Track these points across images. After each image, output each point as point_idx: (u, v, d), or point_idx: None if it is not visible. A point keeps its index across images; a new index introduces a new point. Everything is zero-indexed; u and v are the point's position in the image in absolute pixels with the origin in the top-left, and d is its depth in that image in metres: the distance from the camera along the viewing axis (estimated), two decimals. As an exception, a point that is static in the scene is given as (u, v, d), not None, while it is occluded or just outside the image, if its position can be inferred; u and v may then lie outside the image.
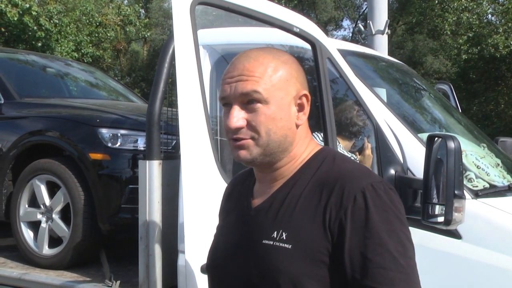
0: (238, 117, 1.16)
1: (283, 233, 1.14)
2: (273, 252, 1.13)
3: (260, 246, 1.16)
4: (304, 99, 1.21)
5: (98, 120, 3.25)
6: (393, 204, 1.11)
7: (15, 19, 12.30)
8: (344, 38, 25.48)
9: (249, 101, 1.16)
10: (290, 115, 1.19)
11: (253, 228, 1.20)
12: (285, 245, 1.12)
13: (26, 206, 3.33)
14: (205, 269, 1.33)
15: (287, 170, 1.22)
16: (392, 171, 2.38)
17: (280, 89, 1.17)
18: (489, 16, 18.43)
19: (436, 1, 17.65)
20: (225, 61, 2.81)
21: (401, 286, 1.05)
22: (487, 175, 2.52)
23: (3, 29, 13.48)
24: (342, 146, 2.83)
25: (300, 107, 1.21)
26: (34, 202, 3.32)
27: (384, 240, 1.07)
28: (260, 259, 1.15)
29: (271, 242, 1.14)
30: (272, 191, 1.22)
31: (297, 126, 1.21)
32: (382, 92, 2.99)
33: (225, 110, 1.20)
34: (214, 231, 1.41)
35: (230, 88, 1.17)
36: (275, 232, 1.15)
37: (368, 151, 2.71)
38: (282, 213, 1.17)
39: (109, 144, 3.11)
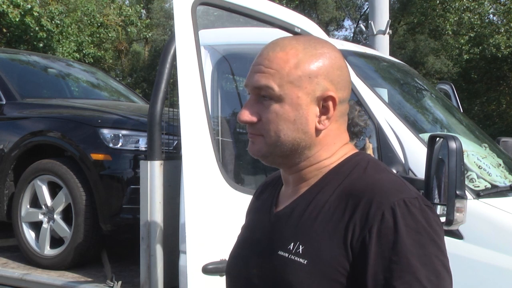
0: (249, 111, 1.06)
1: (300, 246, 1.02)
2: (287, 266, 1.03)
3: (276, 257, 1.05)
4: (330, 102, 1.04)
5: (99, 121, 3.25)
6: (429, 225, 0.96)
7: (17, 20, 12.31)
8: (346, 38, 25.48)
9: (264, 96, 1.04)
10: (308, 118, 1.03)
11: (271, 235, 1.10)
12: (301, 259, 1.01)
13: (28, 206, 3.33)
14: (224, 273, 1.27)
15: (310, 174, 1.08)
16: (394, 171, 2.38)
17: (298, 87, 1.02)
18: (491, 16, 18.41)
19: (438, 1, 17.63)
20: (226, 62, 2.81)
21: None
22: (489, 175, 2.52)
23: (5, 30, 13.50)
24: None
25: (325, 110, 1.04)
26: (35, 202, 3.33)
27: (414, 266, 0.92)
28: (273, 270, 1.05)
29: (287, 255, 1.03)
30: (296, 196, 1.10)
31: (318, 130, 1.05)
32: (384, 92, 2.99)
33: None
34: (216, 231, 1.40)
35: (249, 77, 1.06)
36: (292, 244, 1.03)
37: (369, 152, 2.71)
38: (302, 223, 1.05)
39: (111, 145, 3.11)
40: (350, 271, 0.97)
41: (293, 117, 1.03)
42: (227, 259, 1.24)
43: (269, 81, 1.03)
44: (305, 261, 1.00)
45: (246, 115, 1.06)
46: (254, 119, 1.05)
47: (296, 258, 1.02)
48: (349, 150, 1.10)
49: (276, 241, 1.07)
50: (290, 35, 2.19)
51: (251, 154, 1.10)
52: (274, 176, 1.28)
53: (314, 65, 1.03)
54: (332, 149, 1.08)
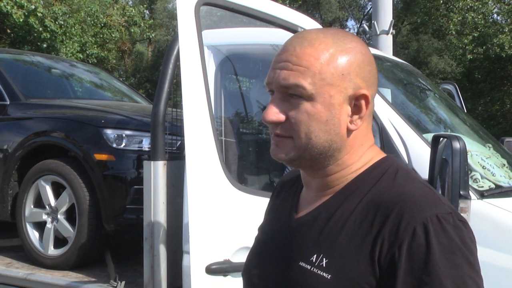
0: (276, 110, 0.97)
1: (324, 259, 0.95)
2: (309, 279, 0.96)
3: (296, 268, 0.98)
4: (362, 101, 0.97)
5: (103, 121, 3.26)
6: (463, 243, 0.89)
7: (21, 20, 12.35)
8: (349, 38, 25.42)
9: (292, 94, 0.96)
10: (340, 118, 0.97)
11: (292, 243, 1.03)
12: (324, 273, 0.94)
13: (32, 206, 3.34)
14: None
15: (337, 180, 1.01)
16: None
17: (331, 85, 0.95)
18: (495, 15, 18.36)
19: (441, 1, 17.60)
20: (230, 62, 2.81)
21: None
22: (493, 175, 2.51)
23: (9, 31, 13.54)
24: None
25: (357, 109, 0.98)
26: (39, 202, 3.34)
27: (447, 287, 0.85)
28: (293, 282, 0.99)
29: (309, 267, 0.96)
30: (319, 202, 1.03)
31: (349, 130, 0.98)
32: (387, 92, 2.98)
33: (271, 98, 1.01)
34: (220, 231, 1.40)
35: (274, 74, 0.97)
36: (315, 255, 0.96)
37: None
38: (326, 233, 0.98)
39: (114, 145, 3.12)
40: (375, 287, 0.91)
41: (326, 117, 0.96)
42: (231, 259, 1.24)
43: (299, 79, 0.94)
44: (329, 276, 0.94)
45: (273, 115, 0.97)
46: (282, 118, 0.97)
47: (319, 272, 0.95)
48: (376, 153, 1.04)
49: (297, 250, 1.01)
50: (290, 34, 2.19)
51: (276, 157, 1.01)
52: (292, 174, 1.20)
53: (346, 61, 0.96)
54: (360, 151, 1.02)
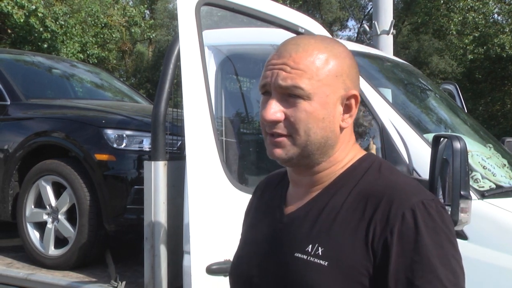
0: (275, 109, 1.03)
1: (319, 248, 1.02)
2: (306, 268, 1.02)
3: (292, 259, 1.04)
4: (352, 101, 1.07)
5: (103, 121, 3.26)
6: (446, 226, 0.99)
7: (22, 20, 12.35)
8: (349, 39, 25.45)
9: (290, 95, 1.03)
10: (335, 116, 1.05)
11: (286, 238, 1.09)
12: (321, 261, 1.01)
13: (32, 207, 3.34)
14: (228, 274, 1.25)
15: (327, 176, 1.09)
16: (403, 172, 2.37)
17: (327, 85, 1.03)
18: (496, 15, 18.35)
19: (442, 1, 17.59)
20: (230, 62, 2.81)
21: None
22: (494, 175, 2.51)
23: (9, 31, 13.55)
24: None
25: (347, 108, 1.07)
26: (40, 203, 3.34)
27: (435, 266, 0.95)
28: (290, 273, 1.04)
29: (305, 257, 1.03)
30: (309, 198, 1.10)
31: (341, 128, 1.07)
32: (388, 93, 2.98)
33: (264, 99, 1.07)
34: (220, 231, 1.40)
35: (271, 76, 1.04)
36: (310, 246, 1.03)
37: (373, 152, 2.70)
38: (320, 225, 1.05)
39: (115, 145, 3.12)
40: (372, 272, 0.98)
41: (322, 115, 1.04)
42: (231, 259, 1.23)
43: (298, 81, 1.02)
44: (326, 263, 1.00)
45: (273, 114, 1.03)
46: (282, 117, 1.04)
47: (315, 260, 1.01)
48: (358, 150, 1.13)
49: (292, 244, 1.06)
50: (294, 35, 2.19)
51: (274, 156, 1.07)
52: (274, 175, 1.27)
53: (338, 64, 1.05)
54: (347, 148, 1.10)
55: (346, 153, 1.10)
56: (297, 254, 1.04)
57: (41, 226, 3.32)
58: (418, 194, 1.02)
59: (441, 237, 0.98)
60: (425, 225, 0.97)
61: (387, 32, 6.63)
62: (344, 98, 1.06)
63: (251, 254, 1.16)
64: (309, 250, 1.03)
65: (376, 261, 0.98)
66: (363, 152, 1.13)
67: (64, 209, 3.21)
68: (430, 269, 0.95)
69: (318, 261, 1.01)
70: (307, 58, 1.03)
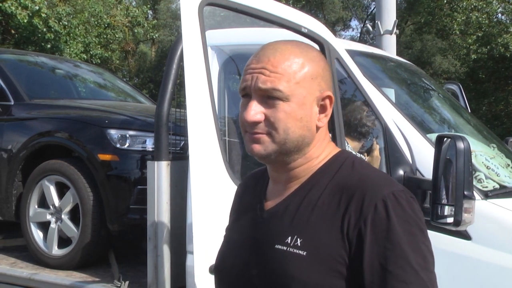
0: (256, 110, 1.10)
1: (298, 239, 1.08)
2: (286, 258, 1.08)
3: (273, 251, 1.11)
4: (327, 101, 1.14)
5: (106, 121, 3.26)
6: (415, 215, 1.07)
7: (25, 21, 12.38)
8: (352, 38, 25.42)
9: (269, 96, 1.10)
10: (311, 115, 1.13)
11: (266, 231, 1.15)
12: (300, 251, 1.07)
13: (36, 206, 3.35)
14: (212, 271, 1.30)
15: (303, 172, 1.16)
16: (401, 172, 2.37)
17: (303, 87, 1.11)
18: (499, 15, 18.30)
19: (445, 1, 17.55)
20: (233, 62, 2.81)
21: None
22: (497, 175, 2.50)
23: (13, 31, 13.58)
24: (351, 147, 2.82)
25: (322, 109, 1.15)
26: (43, 203, 3.35)
27: (406, 252, 1.02)
28: (272, 264, 1.10)
29: (285, 248, 1.09)
30: (287, 193, 1.17)
31: (317, 127, 1.15)
32: (391, 93, 2.98)
33: (244, 101, 1.14)
34: (223, 231, 1.40)
35: (251, 79, 1.12)
36: (289, 237, 1.09)
37: (376, 152, 2.70)
38: (298, 218, 1.11)
39: (118, 145, 3.12)
40: (348, 260, 1.04)
41: (300, 115, 1.11)
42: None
43: (276, 84, 1.09)
44: (305, 253, 1.07)
45: (253, 116, 1.10)
46: (262, 118, 1.10)
47: (295, 250, 1.08)
48: (333, 147, 1.21)
49: (272, 237, 1.13)
50: (296, 34, 2.19)
51: (253, 153, 1.14)
52: (253, 175, 1.35)
53: (313, 68, 1.13)
54: (323, 145, 1.18)
55: (322, 150, 1.17)
56: (277, 246, 1.10)
57: (44, 226, 3.33)
58: (389, 186, 1.09)
59: (411, 225, 1.05)
60: (396, 215, 1.04)
61: (390, 32, 6.62)
62: (319, 99, 1.14)
63: (235, 250, 1.22)
64: (289, 241, 1.09)
65: (351, 250, 1.04)
66: (338, 149, 1.21)
67: (68, 209, 3.22)
68: (401, 256, 1.02)
69: (297, 251, 1.07)
70: (285, 62, 1.10)
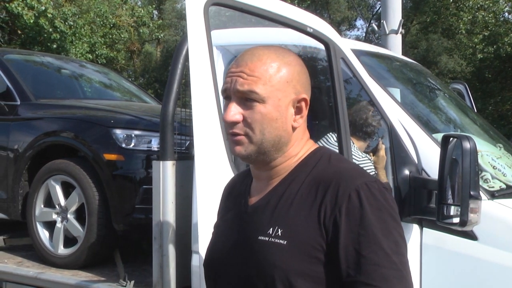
0: (234, 111, 1.18)
1: (279, 230, 1.16)
2: (268, 248, 1.16)
3: (256, 243, 1.18)
4: (302, 103, 1.22)
5: (112, 121, 3.27)
6: (387, 203, 1.14)
7: (31, 21, 12.43)
8: (358, 38, 25.37)
9: (247, 99, 1.18)
10: (287, 117, 1.20)
11: (250, 225, 1.23)
12: (280, 241, 1.15)
13: (42, 206, 3.37)
14: (203, 266, 1.36)
15: (283, 169, 1.24)
16: (407, 172, 2.36)
17: (278, 90, 1.18)
18: (506, 14, 18.19)
19: (451, 0, 17.48)
20: (238, 62, 2.81)
21: (394, 282, 1.08)
22: (504, 175, 2.49)
23: (19, 32, 13.64)
24: (357, 147, 2.82)
25: (298, 110, 1.22)
26: (49, 202, 3.36)
27: (378, 238, 1.09)
28: (256, 255, 1.18)
29: (267, 238, 1.17)
30: (269, 189, 1.25)
31: (294, 128, 1.22)
32: (396, 92, 2.97)
33: (225, 103, 1.23)
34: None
35: (231, 82, 1.19)
36: (271, 229, 1.17)
37: (382, 152, 2.69)
38: (279, 211, 1.19)
39: (123, 145, 3.13)
40: (325, 247, 1.12)
41: (276, 117, 1.18)
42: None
43: (253, 86, 1.17)
44: (285, 242, 1.14)
45: (232, 116, 1.18)
46: (240, 119, 1.18)
47: (276, 240, 1.15)
48: (311, 145, 1.28)
49: (256, 230, 1.21)
50: (302, 35, 2.19)
51: (235, 153, 1.22)
52: (239, 175, 1.45)
53: (289, 71, 1.20)
54: (301, 144, 1.25)
55: (300, 148, 1.25)
56: (260, 237, 1.18)
57: (50, 226, 3.34)
58: (362, 177, 1.17)
59: (383, 213, 1.12)
60: (369, 203, 1.11)
61: (396, 32, 6.61)
62: (295, 101, 1.21)
63: (222, 245, 1.30)
64: (270, 232, 1.17)
65: (328, 237, 1.12)
66: (316, 146, 1.29)
67: (73, 208, 3.23)
68: (374, 241, 1.09)
69: (278, 241, 1.15)
70: (261, 66, 1.18)
